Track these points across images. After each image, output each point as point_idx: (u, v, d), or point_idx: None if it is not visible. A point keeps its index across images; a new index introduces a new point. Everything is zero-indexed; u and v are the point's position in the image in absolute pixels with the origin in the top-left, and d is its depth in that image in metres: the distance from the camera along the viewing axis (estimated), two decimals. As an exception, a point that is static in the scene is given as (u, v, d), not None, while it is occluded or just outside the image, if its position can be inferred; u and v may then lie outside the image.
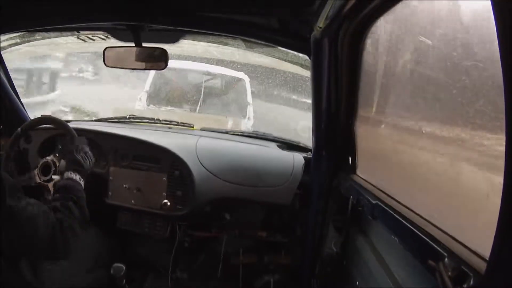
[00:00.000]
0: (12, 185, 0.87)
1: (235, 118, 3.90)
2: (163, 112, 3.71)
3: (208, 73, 4.09)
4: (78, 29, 1.63)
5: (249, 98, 4.08)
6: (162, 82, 4.08)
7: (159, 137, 1.57)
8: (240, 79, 4.15)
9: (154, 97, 3.98)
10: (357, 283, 1.15)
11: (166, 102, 4.04)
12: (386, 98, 1.01)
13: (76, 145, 1.25)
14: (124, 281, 1.35)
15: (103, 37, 1.72)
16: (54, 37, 1.95)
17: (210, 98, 4.01)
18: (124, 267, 1.32)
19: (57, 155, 1.37)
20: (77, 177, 1.16)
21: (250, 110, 4.06)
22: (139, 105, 3.99)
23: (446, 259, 0.59)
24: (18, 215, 0.88)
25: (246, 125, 3.89)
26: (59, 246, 0.97)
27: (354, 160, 1.24)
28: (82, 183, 1.17)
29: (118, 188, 1.53)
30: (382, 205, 0.90)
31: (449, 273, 0.56)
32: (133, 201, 1.52)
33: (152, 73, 4.00)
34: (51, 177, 1.34)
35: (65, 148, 1.35)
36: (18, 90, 1.73)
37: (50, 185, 1.34)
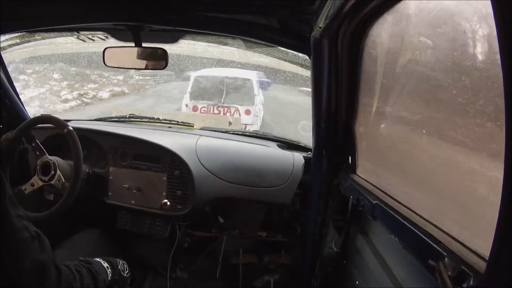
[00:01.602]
0: (10, 196, 0.72)
1: (247, 105, 6.06)
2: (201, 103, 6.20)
3: (227, 77, 6.31)
4: (78, 29, 1.63)
5: (255, 91, 6.23)
6: (198, 85, 6.39)
7: (159, 137, 1.57)
8: (248, 80, 6.33)
9: (193, 94, 6.28)
10: (357, 282, 1.15)
11: (202, 97, 6.27)
12: (386, 97, 1.01)
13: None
14: None
15: (103, 37, 1.72)
16: (54, 37, 1.94)
17: (230, 94, 6.26)
18: None
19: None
20: (105, 265, 1.04)
21: (257, 99, 6.19)
22: (185, 101, 6.32)
23: (446, 259, 0.59)
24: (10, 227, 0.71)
25: (255, 108, 6.12)
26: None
27: (354, 160, 1.24)
28: (108, 274, 1.03)
29: (118, 188, 1.53)
30: (382, 205, 0.90)
31: (449, 273, 0.56)
32: (133, 201, 1.52)
33: (191, 80, 6.46)
34: (52, 176, 1.35)
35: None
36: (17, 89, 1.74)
37: (55, 181, 1.34)
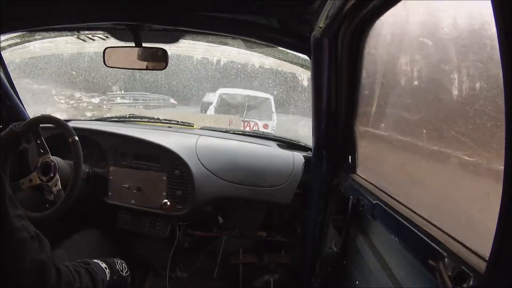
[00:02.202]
0: (10, 196, 0.72)
1: (266, 120, 6.89)
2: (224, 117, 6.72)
3: (248, 96, 7.17)
4: (78, 29, 1.63)
5: (273, 108, 7.08)
6: (222, 101, 7.17)
7: (159, 136, 1.57)
8: (267, 98, 7.15)
9: (218, 109, 7.02)
10: (357, 282, 1.15)
11: (225, 111, 6.97)
12: (386, 97, 1.01)
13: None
14: None
15: (103, 37, 1.72)
16: (54, 37, 1.94)
17: (251, 110, 7.08)
18: None
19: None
20: (103, 265, 1.04)
21: (274, 116, 7.06)
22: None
23: (446, 259, 0.59)
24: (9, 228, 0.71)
25: (272, 124, 6.92)
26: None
27: (354, 159, 1.24)
28: (107, 274, 1.03)
29: (118, 187, 1.53)
30: (382, 205, 0.90)
31: (449, 273, 0.56)
32: (133, 201, 1.52)
33: (216, 96, 7.20)
34: (52, 176, 1.34)
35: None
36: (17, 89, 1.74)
37: (52, 184, 1.34)
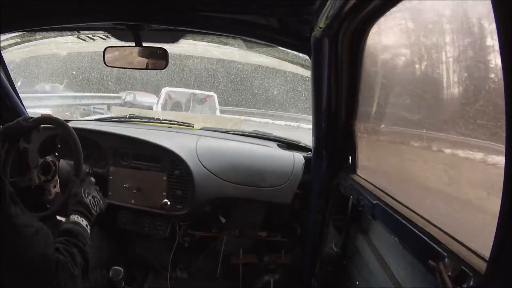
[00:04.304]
0: (11, 193, 0.75)
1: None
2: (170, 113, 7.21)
3: (193, 93, 7.96)
4: (78, 29, 1.63)
5: (216, 104, 7.94)
6: (168, 98, 7.76)
7: (159, 137, 1.57)
8: (211, 95, 8.01)
9: (164, 106, 7.61)
10: (357, 282, 1.15)
11: (171, 108, 7.63)
12: (386, 97, 1.01)
13: (84, 188, 1.19)
14: (123, 283, 1.34)
15: (103, 37, 1.72)
16: (54, 37, 1.95)
17: (196, 105, 7.86)
18: (122, 270, 1.31)
19: (56, 154, 1.37)
20: (83, 223, 1.07)
21: (217, 112, 7.95)
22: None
23: (446, 259, 0.59)
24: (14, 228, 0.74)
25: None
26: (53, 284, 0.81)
27: (354, 160, 1.24)
28: (88, 230, 1.07)
29: (118, 187, 1.53)
30: (382, 205, 0.90)
31: (449, 273, 0.56)
32: (133, 201, 1.52)
33: (162, 96, 7.75)
34: (51, 177, 1.34)
35: (73, 188, 1.21)
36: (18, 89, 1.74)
37: (51, 185, 1.34)
